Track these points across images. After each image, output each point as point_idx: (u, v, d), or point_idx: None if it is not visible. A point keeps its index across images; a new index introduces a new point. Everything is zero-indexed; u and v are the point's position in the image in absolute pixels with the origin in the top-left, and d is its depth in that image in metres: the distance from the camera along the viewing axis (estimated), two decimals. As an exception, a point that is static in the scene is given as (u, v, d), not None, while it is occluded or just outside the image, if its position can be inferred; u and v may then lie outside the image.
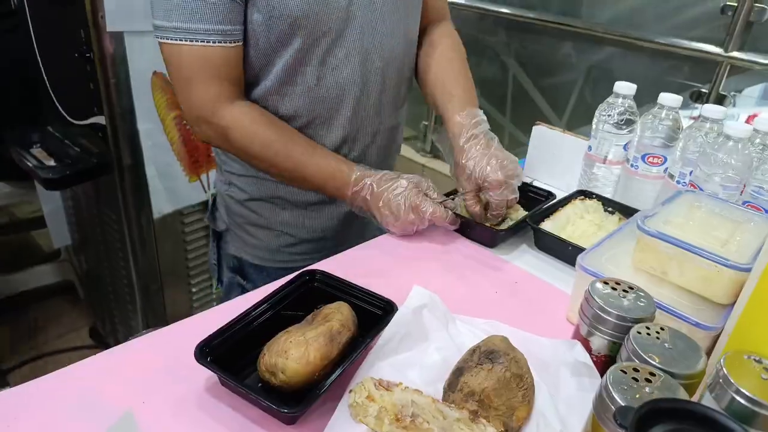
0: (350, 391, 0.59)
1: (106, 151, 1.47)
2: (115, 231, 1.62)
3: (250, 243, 1.06)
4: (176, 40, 0.80)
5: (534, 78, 2.79)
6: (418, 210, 0.88)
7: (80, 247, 2.04)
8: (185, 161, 1.57)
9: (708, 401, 0.47)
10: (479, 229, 0.93)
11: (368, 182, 0.90)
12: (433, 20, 1.09)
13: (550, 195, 1.04)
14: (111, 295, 1.89)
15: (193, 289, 1.82)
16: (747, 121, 4.24)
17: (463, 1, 2.79)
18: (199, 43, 0.80)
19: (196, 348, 0.60)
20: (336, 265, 0.83)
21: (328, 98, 0.91)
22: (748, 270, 0.61)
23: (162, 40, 0.81)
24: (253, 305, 0.68)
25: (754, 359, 0.47)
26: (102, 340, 2.12)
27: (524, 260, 0.90)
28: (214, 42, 0.81)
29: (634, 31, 2.35)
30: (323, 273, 0.74)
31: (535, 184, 1.08)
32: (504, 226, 0.94)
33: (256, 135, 0.87)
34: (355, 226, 1.06)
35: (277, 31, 0.83)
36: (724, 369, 0.46)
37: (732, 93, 2.19)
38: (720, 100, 2.22)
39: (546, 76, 2.77)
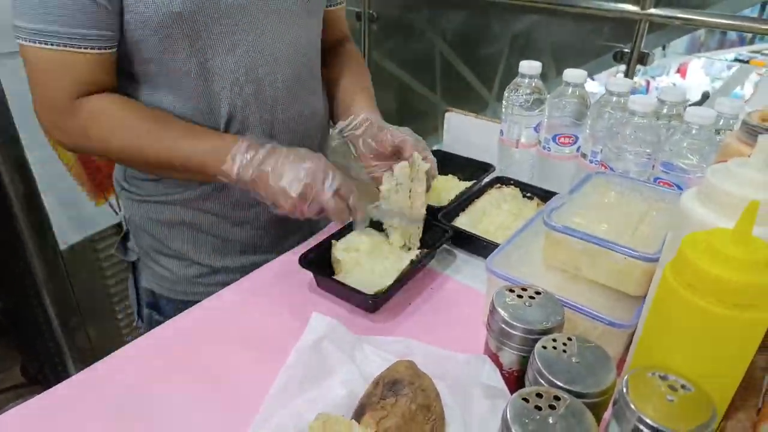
0: None
1: (-6, 186, 1.34)
2: (20, 268, 1.50)
3: (161, 274, 0.96)
4: (32, 42, 0.72)
5: (460, 53, 2.75)
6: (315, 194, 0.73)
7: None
8: (87, 185, 1.45)
9: (612, 428, 0.42)
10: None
11: (261, 152, 0.76)
12: (334, 40, 1.03)
13: (489, 167, 1.00)
14: (32, 333, 1.76)
15: (119, 316, 1.72)
16: (679, 72, 4.27)
17: (382, -20, 2.70)
18: (57, 48, 0.73)
19: (299, 258, 0.77)
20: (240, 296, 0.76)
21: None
22: (656, 260, 0.57)
23: (18, 42, 0.74)
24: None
25: (659, 376, 0.42)
26: (34, 378, 2.00)
27: (439, 259, 0.85)
28: (73, 47, 0.73)
29: (553, -4, 2.32)
30: None
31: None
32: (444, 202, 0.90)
33: (121, 122, 0.78)
34: (266, 244, 0.97)
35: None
36: (626, 392, 0.41)
37: (652, 51, 2.19)
38: (642, 58, 2.22)
39: (472, 50, 2.73)
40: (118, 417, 0.59)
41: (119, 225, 1.57)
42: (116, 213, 1.55)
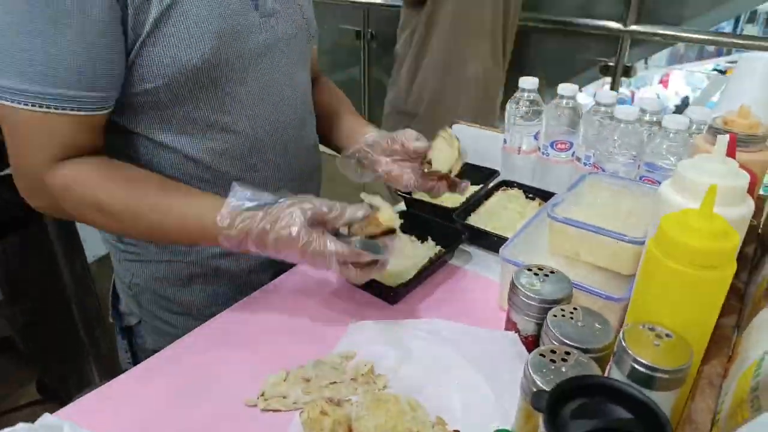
0: (301, 412, 0.62)
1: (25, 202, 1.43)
2: (49, 281, 1.58)
3: (170, 333, 0.87)
4: (8, 102, 0.66)
5: (455, 69, 2.87)
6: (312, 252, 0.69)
7: (12, 301, 1.97)
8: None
9: (614, 371, 0.53)
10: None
11: (250, 229, 0.69)
12: (314, 77, 1.03)
13: (494, 172, 1.11)
14: (56, 346, 1.83)
15: (143, 326, 1.80)
16: (661, 83, 4.42)
17: (381, 1, 2.82)
18: (38, 109, 0.67)
19: None
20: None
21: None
22: (643, 243, 0.68)
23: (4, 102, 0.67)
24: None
25: (648, 327, 0.53)
26: (52, 393, 2.06)
27: (457, 256, 0.95)
28: (57, 109, 0.67)
29: (541, 14, 2.46)
30: None
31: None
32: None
33: (97, 192, 0.71)
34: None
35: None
36: (623, 341, 0.52)
37: (635, 64, 2.33)
38: (626, 71, 2.36)
39: (466, 66, 2.86)
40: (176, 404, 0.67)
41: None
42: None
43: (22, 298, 1.79)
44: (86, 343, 1.72)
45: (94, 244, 1.55)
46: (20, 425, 0.37)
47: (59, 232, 1.49)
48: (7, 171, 1.43)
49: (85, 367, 1.79)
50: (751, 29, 4.69)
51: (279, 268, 0.90)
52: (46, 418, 0.62)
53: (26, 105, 0.66)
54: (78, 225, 1.50)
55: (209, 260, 0.89)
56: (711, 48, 4.72)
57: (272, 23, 0.81)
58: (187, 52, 0.71)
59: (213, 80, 0.76)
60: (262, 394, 0.66)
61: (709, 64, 4.77)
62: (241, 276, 0.92)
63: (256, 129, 0.83)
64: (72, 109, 0.68)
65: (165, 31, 0.70)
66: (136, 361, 0.98)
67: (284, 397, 0.66)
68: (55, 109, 0.67)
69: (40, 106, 0.67)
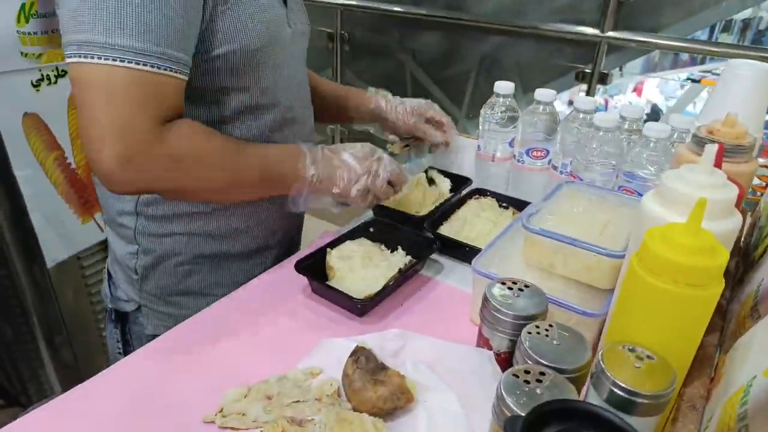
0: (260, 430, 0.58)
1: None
2: (7, 287, 1.50)
3: (177, 315, 0.91)
4: (119, 61, 0.65)
5: (430, 73, 2.85)
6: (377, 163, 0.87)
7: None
8: (74, 203, 1.47)
9: (591, 394, 0.50)
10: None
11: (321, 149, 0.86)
12: None
13: (467, 180, 1.09)
14: (15, 352, 1.75)
15: (104, 333, 1.73)
16: (636, 91, 4.48)
17: (354, 3, 2.80)
18: (151, 69, 0.67)
19: (295, 264, 0.83)
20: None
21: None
22: (622, 256, 0.65)
23: (90, 60, 0.64)
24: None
25: (628, 348, 0.49)
26: (13, 398, 1.97)
27: (427, 266, 0.92)
28: (167, 70, 0.68)
29: (518, 19, 2.45)
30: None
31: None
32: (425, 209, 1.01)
33: (208, 143, 0.76)
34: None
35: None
36: (601, 362, 0.48)
37: (611, 71, 2.33)
38: (602, 78, 2.36)
39: (441, 70, 2.84)
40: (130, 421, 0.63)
41: (103, 242, 1.59)
42: (101, 230, 1.58)
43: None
44: (47, 352, 1.64)
45: (53, 248, 1.48)
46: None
47: (14, 236, 1.41)
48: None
49: (44, 376, 1.71)
50: (725, 38, 4.77)
51: (281, 250, 1.00)
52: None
53: (144, 65, 0.66)
54: (37, 228, 1.42)
55: (227, 237, 0.92)
56: (685, 57, 4.79)
57: (293, 18, 0.89)
58: (251, 26, 0.78)
59: (263, 60, 0.82)
60: (221, 411, 0.62)
61: (683, 73, 4.83)
62: (250, 255, 0.96)
63: (294, 106, 0.92)
64: (178, 72, 0.70)
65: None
66: (127, 350, 0.99)
67: (243, 415, 0.61)
68: (167, 70, 0.68)
69: (158, 67, 0.67)
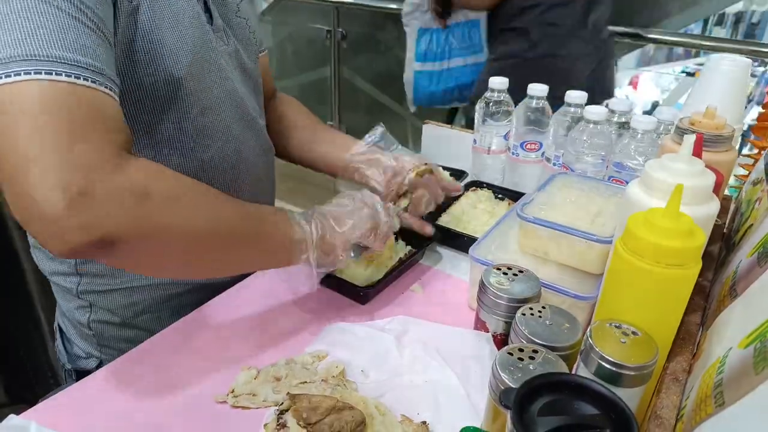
0: (265, 425, 0.62)
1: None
2: (14, 285, 1.54)
3: (127, 338, 0.86)
4: (55, 74, 0.51)
5: (427, 69, 2.88)
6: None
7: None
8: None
9: (581, 369, 0.53)
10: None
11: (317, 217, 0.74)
12: (271, 90, 1.08)
13: (463, 173, 1.12)
14: (22, 352, 1.78)
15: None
16: (631, 84, 4.51)
17: (350, 0, 2.82)
18: (91, 84, 0.54)
19: None
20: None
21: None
22: (611, 242, 0.69)
23: (20, 78, 0.50)
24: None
25: (615, 326, 0.53)
26: (20, 396, 2.00)
27: (427, 256, 0.95)
28: (103, 86, 0.56)
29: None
30: None
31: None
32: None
33: (185, 183, 0.61)
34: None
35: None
36: (590, 339, 0.52)
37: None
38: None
39: (438, 66, 2.87)
40: (147, 402, 0.68)
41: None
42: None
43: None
44: (51, 348, 1.67)
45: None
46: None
47: (23, 238, 1.44)
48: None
49: (53, 371, 1.74)
50: (719, 31, 4.81)
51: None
52: (12, 420, 0.61)
53: (71, 77, 0.52)
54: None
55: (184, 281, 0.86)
56: (680, 50, 4.82)
57: (223, 37, 0.82)
58: (173, 55, 0.70)
59: (194, 85, 0.74)
60: (232, 391, 0.65)
61: (677, 66, 4.87)
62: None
63: (232, 132, 0.83)
64: (112, 90, 0.57)
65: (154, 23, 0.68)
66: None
67: (254, 395, 0.65)
68: (104, 87, 0.56)
69: (93, 81, 0.55)
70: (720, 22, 4.92)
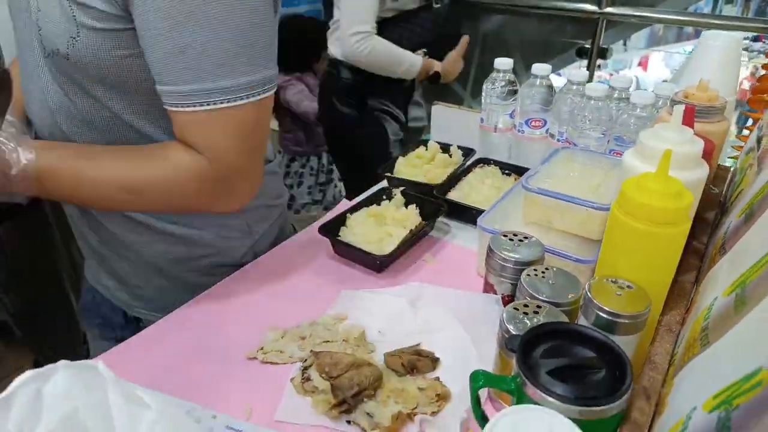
0: (291, 379, 0.68)
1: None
2: (47, 266, 1.61)
3: None
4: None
5: (434, 53, 2.91)
6: None
7: (9, 286, 1.99)
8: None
9: (581, 321, 0.59)
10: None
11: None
12: None
13: (471, 151, 1.17)
14: (52, 329, 1.86)
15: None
16: (641, 65, 4.50)
17: None
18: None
19: (318, 228, 0.93)
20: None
21: None
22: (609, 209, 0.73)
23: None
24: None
25: (611, 281, 0.58)
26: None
27: (437, 229, 1.00)
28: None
29: (519, -2, 2.50)
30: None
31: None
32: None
33: None
34: None
35: None
36: (589, 293, 0.57)
37: (610, 46, 2.39)
38: (602, 53, 2.42)
39: (445, 49, 2.89)
40: (187, 358, 0.74)
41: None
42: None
43: (20, 283, 1.82)
44: (83, 330, 1.75)
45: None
46: (61, 362, 0.41)
47: (58, 216, 1.50)
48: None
49: (80, 350, 1.82)
50: (729, 9, 4.78)
51: None
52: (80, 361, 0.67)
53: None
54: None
55: None
56: (689, 30, 4.80)
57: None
58: None
59: None
60: (261, 348, 0.71)
61: (688, 46, 4.85)
62: None
63: None
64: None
65: None
66: None
67: (281, 352, 0.71)
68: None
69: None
70: (730, 0, 4.88)
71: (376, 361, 0.70)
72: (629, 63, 5.27)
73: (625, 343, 0.56)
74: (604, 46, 2.38)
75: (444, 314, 0.76)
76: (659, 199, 0.54)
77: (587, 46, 2.39)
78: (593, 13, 2.31)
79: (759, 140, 0.76)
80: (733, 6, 4.88)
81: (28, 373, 0.39)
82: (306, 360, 0.69)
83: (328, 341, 0.72)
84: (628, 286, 0.58)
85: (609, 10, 2.27)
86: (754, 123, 0.93)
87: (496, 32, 2.68)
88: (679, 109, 0.59)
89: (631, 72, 5.13)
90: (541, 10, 2.45)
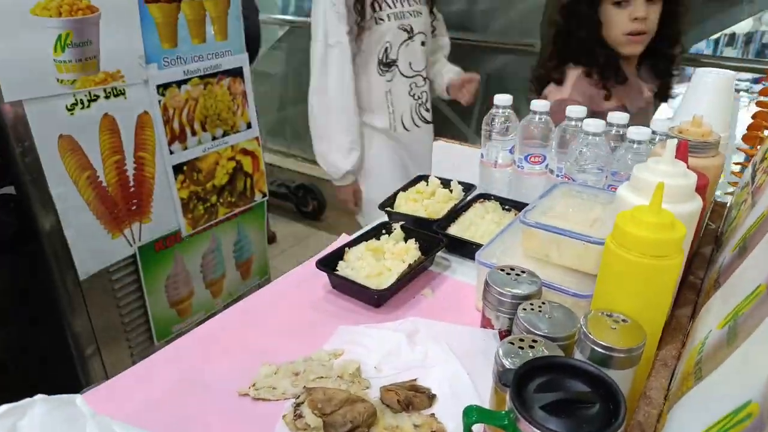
0: (284, 416, 0.67)
1: (20, 222, 1.47)
2: (41, 299, 1.60)
3: None
4: None
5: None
6: None
7: (3, 324, 1.98)
8: (105, 219, 1.58)
9: (577, 354, 0.58)
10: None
11: None
12: None
13: (471, 186, 1.17)
14: (44, 365, 1.84)
15: (131, 344, 1.82)
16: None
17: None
18: None
19: (316, 262, 0.92)
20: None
21: None
22: (607, 243, 0.73)
23: None
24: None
25: (606, 315, 0.58)
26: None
27: (437, 263, 1.00)
28: None
29: (522, 38, 2.56)
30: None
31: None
32: None
33: None
34: None
35: None
36: (584, 327, 0.57)
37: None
38: (604, 92, 2.45)
39: (449, 89, 2.95)
40: (177, 395, 0.73)
41: (132, 258, 1.69)
42: (130, 245, 1.68)
43: (8, 318, 1.81)
44: (77, 361, 1.73)
45: (85, 261, 1.58)
46: (38, 396, 0.41)
47: (52, 249, 1.51)
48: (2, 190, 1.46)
49: (73, 387, 1.79)
50: (730, 52, 4.84)
51: None
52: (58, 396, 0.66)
53: None
54: (70, 242, 1.52)
55: None
56: (690, 71, 4.85)
57: None
58: None
59: None
60: (254, 385, 0.70)
61: (686, 87, 4.91)
62: None
63: None
64: None
65: None
66: None
67: (274, 388, 0.70)
68: None
69: None
70: (731, 43, 4.95)
71: (371, 397, 0.69)
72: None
73: (620, 377, 0.55)
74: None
75: (441, 349, 0.75)
76: (652, 231, 0.54)
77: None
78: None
79: (753, 175, 0.76)
80: (733, 48, 4.95)
81: (4, 408, 0.38)
82: (299, 396, 0.68)
83: (322, 377, 0.72)
84: (623, 320, 0.57)
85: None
86: (749, 159, 0.93)
87: (501, 71, 2.73)
88: (672, 143, 0.59)
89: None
90: (536, 49, 2.50)
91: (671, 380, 0.57)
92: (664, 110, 1.00)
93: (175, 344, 0.80)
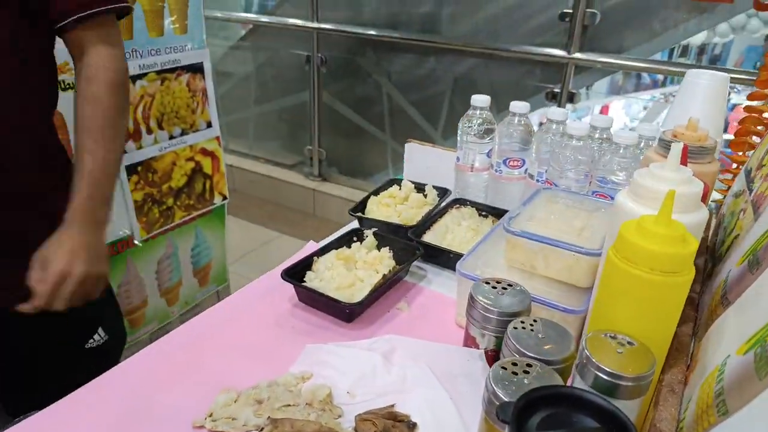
0: None
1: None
2: None
3: None
4: None
5: (406, 94, 2.92)
6: None
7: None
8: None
9: (578, 381, 0.52)
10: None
11: None
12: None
13: (446, 191, 1.12)
14: None
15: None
16: (602, 112, 4.68)
17: (330, 27, 2.86)
18: None
19: (282, 272, 0.84)
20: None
21: None
22: (599, 254, 0.68)
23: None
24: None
25: (610, 336, 0.52)
26: None
27: (412, 273, 0.93)
28: None
29: (491, 42, 2.53)
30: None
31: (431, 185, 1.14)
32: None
33: None
34: None
35: None
36: (586, 350, 0.51)
37: (578, 91, 2.42)
38: (571, 97, 2.45)
39: (417, 91, 2.90)
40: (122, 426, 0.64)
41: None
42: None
43: None
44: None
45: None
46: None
47: None
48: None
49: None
50: (683, 62, 4.99)
51: None
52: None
53: None
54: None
55: None
56: (647, 81, 4.98)
57: None
58: None
59: None
60: (210, 415, 0.62)
61: (645, 95, 5.03)
62: None
63: None
64: None
65: None
66: None
67: (233, 419, 0.61)
68: None
69: None
70: (684, 53, 5.09)
71: (345, 427, 0.61)
72: (591, 109, 5.42)
73: (627, 408, 0.49)
74: (573, 90, 2.41)
75: (421, 371, 0.68)
76: (662, 244, 0.49)
77: (556, 90, 2.42)
78: (562, 58, 2.34)
79: (748, 183, 0.72)
80: (686, 59, 5.09)
81: None
82: (262, 429, 0.60)
83: (289, 405, 0.64)
84: (629, 343, 0.51)
85: (577, 55, 2.31)
86: (737, 166, 0.90)
87: (468, 75, 2.70)
88: (678, 147, 0.54)
89: (594, 118, 5.27)
90: (512, 54, 2.47)
91: (681, 410, 0.51)
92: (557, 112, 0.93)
93: (120, 367, 0.71)
